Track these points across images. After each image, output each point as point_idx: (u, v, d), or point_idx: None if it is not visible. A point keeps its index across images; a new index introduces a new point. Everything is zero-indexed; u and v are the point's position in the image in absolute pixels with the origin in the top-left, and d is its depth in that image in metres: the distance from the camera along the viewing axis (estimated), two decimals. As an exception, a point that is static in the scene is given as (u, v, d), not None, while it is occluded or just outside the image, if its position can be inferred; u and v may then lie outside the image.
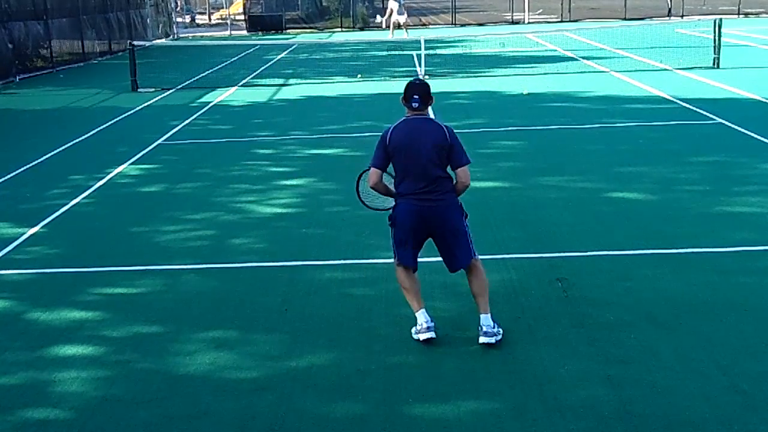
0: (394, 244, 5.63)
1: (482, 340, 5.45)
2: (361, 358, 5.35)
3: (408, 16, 34.10)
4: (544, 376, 5.02)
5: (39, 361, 5.52)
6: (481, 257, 6.92)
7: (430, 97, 5.57)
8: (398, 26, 32.79)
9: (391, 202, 5.74)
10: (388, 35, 31.91)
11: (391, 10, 32.57)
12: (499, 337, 5.51)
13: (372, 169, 5.56)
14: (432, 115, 6.15)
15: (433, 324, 5.52)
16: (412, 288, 5.64)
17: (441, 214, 5.50)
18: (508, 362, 5.23)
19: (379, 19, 33.51)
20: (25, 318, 6.26)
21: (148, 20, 34.98)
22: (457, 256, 5.59)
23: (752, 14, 38.60)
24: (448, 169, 5.56)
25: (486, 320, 5.49)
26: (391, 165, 5.62)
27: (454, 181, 5.57)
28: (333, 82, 19.71)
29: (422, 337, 5.51)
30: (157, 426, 4.66)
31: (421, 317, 5.54)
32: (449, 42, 28.08)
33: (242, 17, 42.37)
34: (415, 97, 5.47)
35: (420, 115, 5.54)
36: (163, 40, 35.70)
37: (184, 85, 20.08)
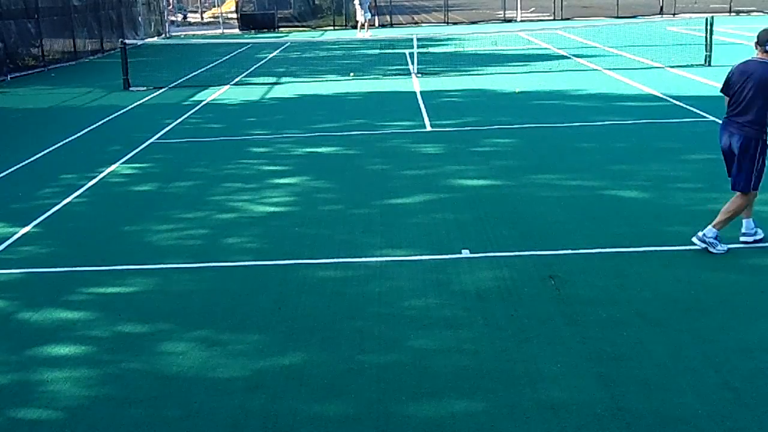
0: (762, 169, 6.79)
1: (694, 239, 6.99)
2: (354, 357, 5.35)
3: (379, 15, 34.03)
4: (537, 374, 5.02)
5: (30, 361, 5.50)
6: (473, 255, 7.02)
7: None
8: (362, 25, 32.69)
9: None
10: (357, 34, 32.03)
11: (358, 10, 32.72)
12: (751, 238, 7.04)
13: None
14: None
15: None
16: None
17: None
18: (501, 360, 5.23)
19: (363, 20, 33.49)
20: (16, 318, 6.24)
21: (139, 18, 34.90)
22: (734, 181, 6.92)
23: (743, 12, 38.70)
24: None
25: (708, 230, 6.88)
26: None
27: None
28: (326, 81, 19.70)
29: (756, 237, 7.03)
30: (149, 425, 4.65)
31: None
32: (441, 40, 28.08)
33: (234, 16, 42.32)
34: None
35: (763, 59, 6.71)
36: (155, 39, 35.61)
37: (176, 83, 20.04)
